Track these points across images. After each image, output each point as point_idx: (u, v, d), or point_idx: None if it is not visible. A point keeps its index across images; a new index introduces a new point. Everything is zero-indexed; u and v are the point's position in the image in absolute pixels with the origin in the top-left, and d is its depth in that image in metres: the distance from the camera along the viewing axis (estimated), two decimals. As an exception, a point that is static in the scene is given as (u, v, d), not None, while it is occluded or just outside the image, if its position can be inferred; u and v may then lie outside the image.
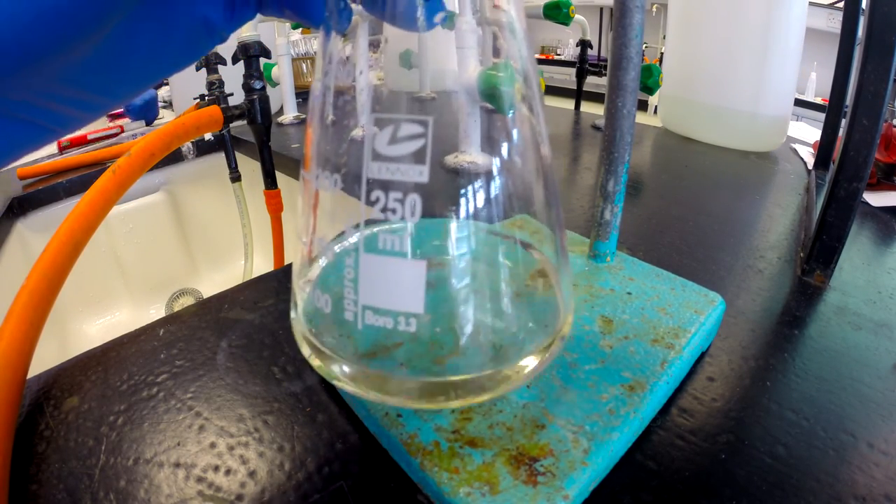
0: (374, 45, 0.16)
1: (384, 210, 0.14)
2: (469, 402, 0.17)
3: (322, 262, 0.19)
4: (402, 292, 0.15)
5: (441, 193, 0.15)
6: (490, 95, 0.17)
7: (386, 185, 0.14)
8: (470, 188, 0.15)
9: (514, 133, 0.17)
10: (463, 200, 0.15)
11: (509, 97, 0.17)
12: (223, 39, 0.14)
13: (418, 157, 0.14)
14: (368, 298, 0.15)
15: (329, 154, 0.16)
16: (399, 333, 0.15)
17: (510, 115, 0.17)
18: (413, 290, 0.15)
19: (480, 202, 0.16)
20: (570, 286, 0.19)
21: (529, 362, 0.17)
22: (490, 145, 0.16)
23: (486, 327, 0.17)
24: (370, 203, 0.14)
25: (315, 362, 0.18)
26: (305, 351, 0.18)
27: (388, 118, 0.14)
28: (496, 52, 0.17)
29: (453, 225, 0.16)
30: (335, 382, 0.17)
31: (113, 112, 1.11)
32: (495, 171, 0.16)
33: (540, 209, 0.18)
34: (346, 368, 0.17)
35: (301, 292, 0.19)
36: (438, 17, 0.15)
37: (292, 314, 0.19)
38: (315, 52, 1.26)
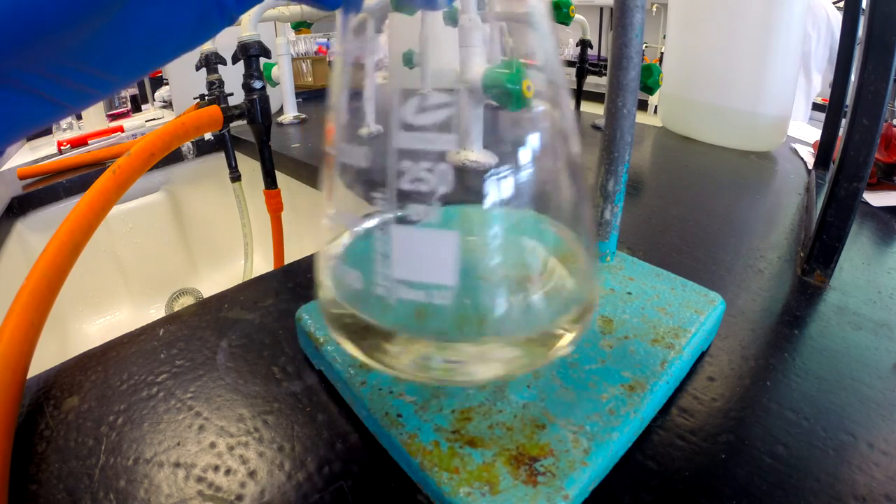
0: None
1: (414, 181, 0.14)
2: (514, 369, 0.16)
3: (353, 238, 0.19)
4: (434, 265, 0.15)
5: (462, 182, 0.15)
6: (496, 93, 0.17)
7: (415, 155, 0.14)
8: (483, 184, 0.15)
9: (524, 130, 0.16)
10: (481, 191, 0.15)
11: (517, 94, 0.16)
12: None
13: (446, 126, 0.14)
14: (403, 273, 0.15)
15: (354, 131, 0.16)
16: (433, 306, 0.15)
17: (520, 113, 0.16)
18: (446, 262, 0.14)
19: (487, 198, 0.15)
20: (594, 265, 0.19)
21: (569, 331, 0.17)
22: (493, 142, 0.16)
23: (522, 299, 0.17)
24: (399, 174, 0.14)
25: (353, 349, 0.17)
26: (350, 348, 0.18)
27: (414, 90, 0.14)
28: (504, 49, 0.17)
29: (479, 209, 0.15)
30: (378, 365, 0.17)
31: (113, 112, 1.11)
32: (499, 169, 0.16)
33: (557, 207, 0.18)
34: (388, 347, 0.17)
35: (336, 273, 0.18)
36: None
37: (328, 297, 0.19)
38: (314, 53, 1.25)
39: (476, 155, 0.17)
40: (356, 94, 0.16)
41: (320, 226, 0.18)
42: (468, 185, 0.15)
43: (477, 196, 0.15)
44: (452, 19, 0.18)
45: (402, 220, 0.15)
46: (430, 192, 0.14)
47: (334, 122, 0.17)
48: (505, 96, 0.16)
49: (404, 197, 0.14)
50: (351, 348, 0.17)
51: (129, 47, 0.13)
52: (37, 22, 0.10)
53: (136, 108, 1.18)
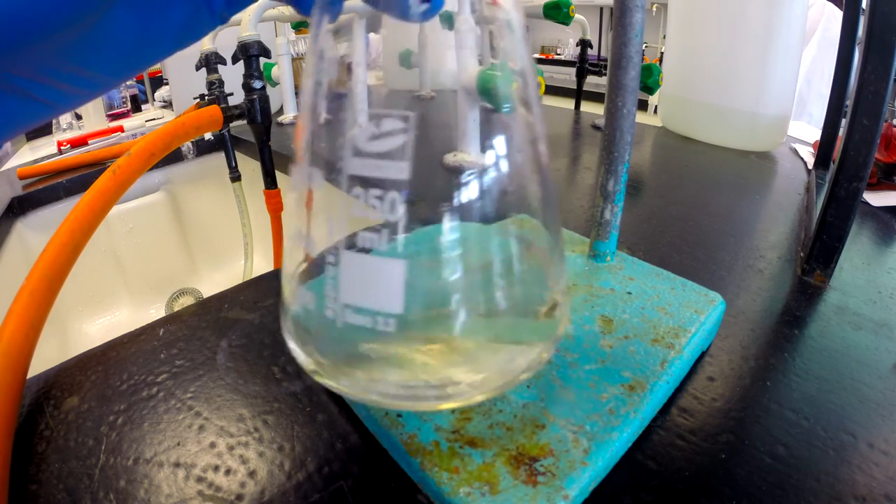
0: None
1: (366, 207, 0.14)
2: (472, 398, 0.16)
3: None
4: (380, 292, 0.14)
5: (430, 192, 0.15)
6: (489, 94, 0.17)
7: (366, 182, 0.14)
8: (465, 186, 0.15)
9: (514, 131, 0.17)
10: (459, 197, 0.15)
11: (508, 96, 0.17)
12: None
13: (399, 153, 0.14)
14: (349, 297, 0.15)
15: (316, 149, 0.16)
16: (378, 333, 0.15)
17: (509, 114, 0.16)
18: (392, 289, 0.14)
19: (476, 199, 0.15)
20: (563, 275, 0.19)
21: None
22: (490, 144, 0.16)
23: (480, 320, 0.16)
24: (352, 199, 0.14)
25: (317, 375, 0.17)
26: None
27: (372, 113, 0.14)
28: (494, 52, 0.17)
29: (444, 226, 0.15)
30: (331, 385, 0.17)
31: (113, 112, 1.11)
32: (493, 169, 0.16)
33: (537, 207, 0.18)
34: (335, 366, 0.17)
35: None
36: (423, 7, 0.15)
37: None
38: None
39: (472, 157, 0.17)
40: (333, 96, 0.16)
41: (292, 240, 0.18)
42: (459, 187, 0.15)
43: (448, 202, 0.15)
44: (448, 23, 0.18)
45: (352, 247, 0.15)
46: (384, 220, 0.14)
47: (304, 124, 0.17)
48: (498, 98, 0.16)
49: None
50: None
51: (117, 48, 0.13)
52: (24, 25, 0.10)
53: (136, 108, 1.19)
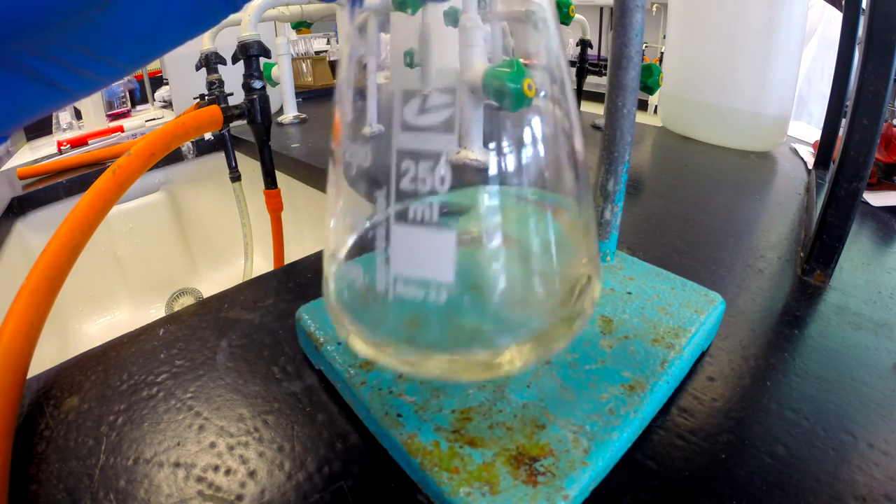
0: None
1: (414, 180, 0.14)
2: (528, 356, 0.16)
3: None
4: (434, 261, 0.15)
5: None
6: (496, 93, 0.17)
7: (416, 155, 0.14)
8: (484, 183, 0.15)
9: (525, 129, 0.16)
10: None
11: (517, 94, 0.16)
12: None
13: (447, 126, 0.14)
14: (401, 268, 0.15)
15: (357, 130, 0.16)
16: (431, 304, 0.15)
17: (521, 112, 0.16)
18: (445, 258, 0.14)
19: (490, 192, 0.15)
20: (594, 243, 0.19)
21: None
22: (494, 142, 0.16)
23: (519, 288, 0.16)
24: (400, 174, 0.14)
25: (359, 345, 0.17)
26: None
27: (414, 91, 0.14)
28: (506, 49, 0.17)
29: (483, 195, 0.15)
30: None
31: (113, 112, 1.11)
32: (499, 169, 0.16)
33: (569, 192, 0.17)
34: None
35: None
36: None
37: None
38: (313, 52, 1.25)
39: (476, 154, 0.17)
40: (360, 93, 0.16)
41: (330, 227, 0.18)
42: (468, 184, 0.15)
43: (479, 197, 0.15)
44: (453, 19, 0.18)
45: (401, 218, 0.15)
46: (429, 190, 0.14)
47: (341, 121, 0.17)
48: (505, 95, 0.16)
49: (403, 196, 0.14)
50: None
51: (133, 32, 0.13)
52: (40, 3, 0.10)
53: (135, 104, 1.18)
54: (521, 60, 0.17)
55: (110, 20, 0.12)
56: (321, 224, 0.76)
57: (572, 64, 0.84)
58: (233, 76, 0.61)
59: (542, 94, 0.16)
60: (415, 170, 0.14)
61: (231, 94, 0.62)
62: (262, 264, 0.84)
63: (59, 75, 0.12)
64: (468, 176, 0.15)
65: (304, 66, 1.14)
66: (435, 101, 0.14)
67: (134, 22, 0.13)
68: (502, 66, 0.17)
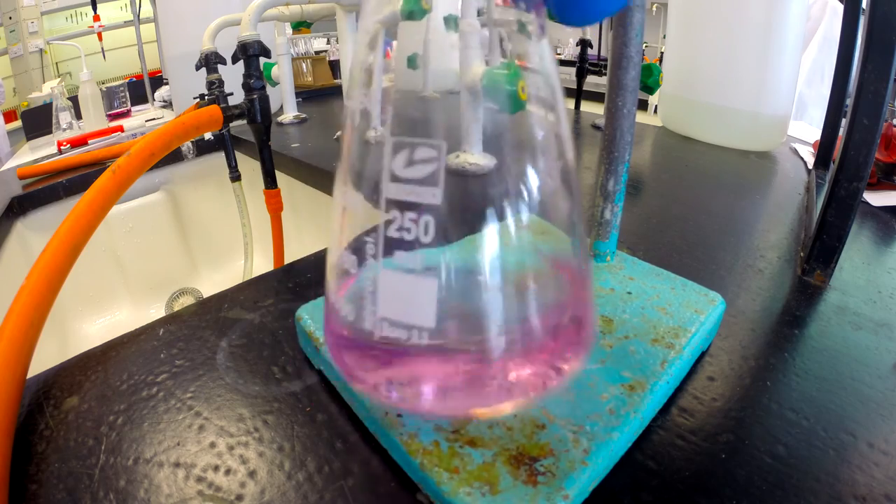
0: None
1: (400, 229, 0.15)
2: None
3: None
4: (415, 306, 0.15)
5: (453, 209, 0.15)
6: (495, 94, 0.17)
7: (402, 206, 0.15)
8: (482, 196, 0.16)
9: (521, 133, 0.17)
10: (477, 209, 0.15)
11: (514, 97, 0.16)
12: None
13: (432, 179, 0.15)
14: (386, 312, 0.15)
15: (355, 168, 0.17)
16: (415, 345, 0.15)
17: (517, 115, 0.16)
18: (425, 304, 0.15)
19: (488, 208, 0.15)
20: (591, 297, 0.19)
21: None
22: (494, 146, 0.16)
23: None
24: (387, 222, 0.15)
25: None
26: None
27: (404, 141, 0.15)
28: (504, 52, 0.17)
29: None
30: None
31: (112, 112, 1.11)
32: (499, 172, 0.16)
33: (553, 212, 0.17)
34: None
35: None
36: None
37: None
38: (313, 52, 1.25)
39: (476, 158, 0.17)
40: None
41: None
42: (467, 189, 0.15)
43: (474, 204, 0.15)
44: (454, 26, 0.18)
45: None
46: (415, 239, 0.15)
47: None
48: (503, 97, 0.16)
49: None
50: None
51: None
52: None
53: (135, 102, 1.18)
54: (516, 62, 0.17)
55: None
56: (321, 224, 0.76)
57: (572, 64, 0.84)
58: (233, 76, 0.61)
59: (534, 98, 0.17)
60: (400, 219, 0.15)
61: (231, 93, 0.62)
62: (262, 264, 0.84)
63: None
64: (467, 183, 0.15)
65: (304, 65, 1.14)
66: (421, 155, 0.15)
67: None
68: (499, 67, 0.17)
